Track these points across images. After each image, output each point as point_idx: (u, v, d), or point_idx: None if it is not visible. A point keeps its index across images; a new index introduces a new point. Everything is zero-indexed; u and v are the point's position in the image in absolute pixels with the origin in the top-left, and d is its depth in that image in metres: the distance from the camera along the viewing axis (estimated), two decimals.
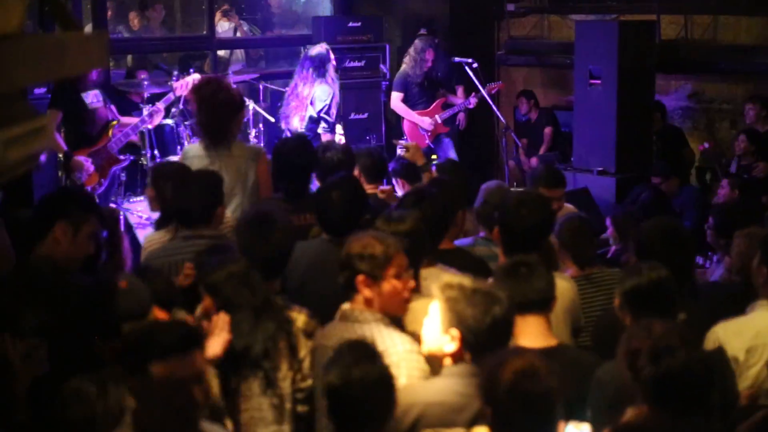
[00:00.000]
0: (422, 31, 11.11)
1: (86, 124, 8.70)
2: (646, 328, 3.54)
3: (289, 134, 9.25)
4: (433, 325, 3.71)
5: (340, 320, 4.11)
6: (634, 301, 4.15)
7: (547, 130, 12.11)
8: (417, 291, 4.32)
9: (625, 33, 10.03)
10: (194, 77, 9.07)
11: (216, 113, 6.46)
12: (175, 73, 9.14)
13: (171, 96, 9.11)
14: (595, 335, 4.78)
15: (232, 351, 4.08)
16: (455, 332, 3.60)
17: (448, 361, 3.68)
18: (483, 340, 3.57)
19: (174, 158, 8.68)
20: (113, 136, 8.71)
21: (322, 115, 9.30)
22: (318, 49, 9.60)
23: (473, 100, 10.68)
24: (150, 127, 9.07)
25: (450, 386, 3.62)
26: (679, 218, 7.18)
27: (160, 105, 8.93)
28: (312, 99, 9.28)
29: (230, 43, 13.54)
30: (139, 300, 3.92)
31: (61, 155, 8.36)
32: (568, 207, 6.68)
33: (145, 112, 8.95)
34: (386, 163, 6.83)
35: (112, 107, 8.95)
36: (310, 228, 5.64)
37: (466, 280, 3.73)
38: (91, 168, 8.51)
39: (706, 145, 10.89)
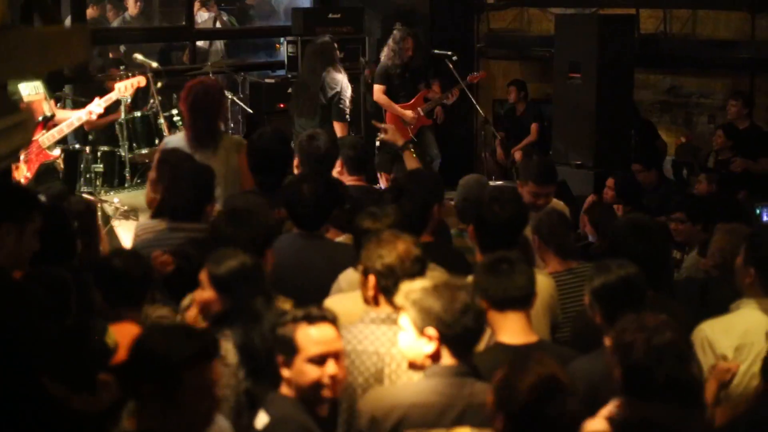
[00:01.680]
0: (398, 24, 11.03)
1: None
2: (637, 321, 3.56)
3: (297, 127, 9.26)
4: (407, 335, 3.69)
5: (373, 323, 4.01)
6: (603, 299, 4.13)
7: (534, 125, 11.82)
8: None
9: (605, 26, 10.08)
10: (138, 80, 8.92)
11: (203, 116, 6.51)
12: (155, 65, 9.04)
13: (112, 96, 8.88)
14: (575, 330, 4.78)
15: None
16: (432, 331, 3.60)
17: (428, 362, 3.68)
18: (459, 329, 3.57)
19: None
20: (46, 130, 8.42)
21: (333, 103, 9.27)
22: (323, 37, 9.65)
23: (451, 98, 10.65)
24: (93, 118, 8.85)
25: (432, 387, 3.61)
26: (648, 211, 7.28)
27: (100, 103, 8.70)
28: (322, 86, 9.27)
29: (209, 34, 13.49)
30: None
31: None
32: (555, 201, 6.64)
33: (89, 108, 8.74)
34: (368, 155, 6.82)
35: (52, 101, 8.72)
36: (284, 222, 5.63)
37: (426, 280, 3.74)
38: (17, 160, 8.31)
39: (684, 140, 10.94)
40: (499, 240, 4.64)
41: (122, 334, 3.60)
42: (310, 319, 3.58)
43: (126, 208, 8.72)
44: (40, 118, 8.52)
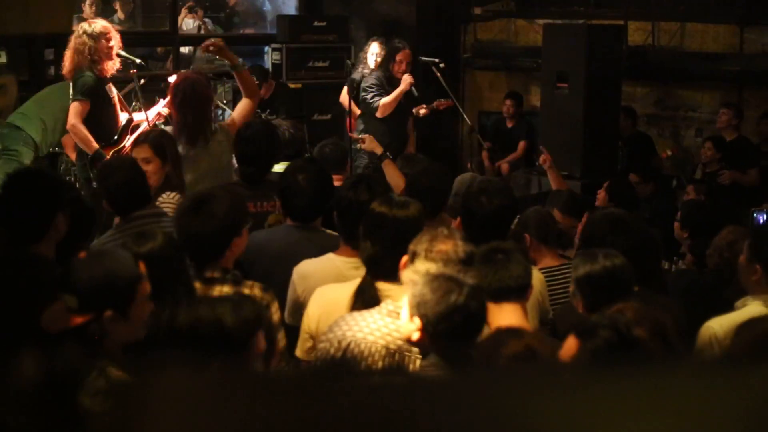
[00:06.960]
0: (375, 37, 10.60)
1: (111, 119, 7.78)
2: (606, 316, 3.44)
3: None
4: (404, 313, 3.60)
5: (389, 315, 3.84)
6: (587, 289, 4.05)
7: (522, 143, 11.53)
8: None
9: (594, 36, 9.99)
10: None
11: (193, 112, 6.41)
12: (138, 60, 8.68)
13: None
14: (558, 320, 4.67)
15: None
16: (417, 321, 3.50)
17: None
18: (440, 329, 3.45)
19: None
20: (131, 134, 7.82)
21: None
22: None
23: (443, 102, 10.20)
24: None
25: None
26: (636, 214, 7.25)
27: (163, 107, 8.34)
28: None
29: (193, 40, 13.36)
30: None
31: (90, 153, 7.55)
32: None
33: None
34: (347, 154, 6.83)
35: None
36: (267, 216, 5.52)
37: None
38: None
39: (670, 152, 10.86)
40: (486, 232, 4.49)
41: None
42: None
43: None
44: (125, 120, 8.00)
